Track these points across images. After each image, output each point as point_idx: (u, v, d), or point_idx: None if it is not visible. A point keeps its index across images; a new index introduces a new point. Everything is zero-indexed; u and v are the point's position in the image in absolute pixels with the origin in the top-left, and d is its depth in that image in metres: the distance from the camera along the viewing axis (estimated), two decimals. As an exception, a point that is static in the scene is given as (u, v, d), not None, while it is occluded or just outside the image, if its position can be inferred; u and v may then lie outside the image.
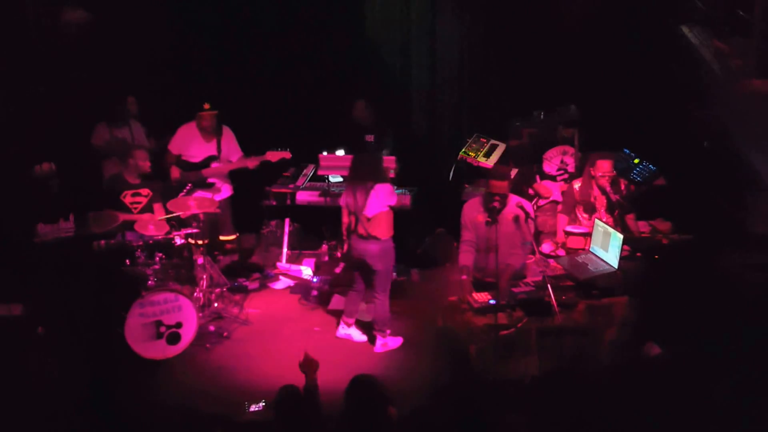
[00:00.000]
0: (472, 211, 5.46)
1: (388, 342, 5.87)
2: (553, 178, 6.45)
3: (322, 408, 3.79)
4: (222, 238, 6.90)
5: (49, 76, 6.25)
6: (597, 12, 6.85)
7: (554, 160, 6.42)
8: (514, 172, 6.74)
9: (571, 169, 6.39)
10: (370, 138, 7.43)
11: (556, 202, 6.41)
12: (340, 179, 7.10)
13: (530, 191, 6.47)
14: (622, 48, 6.81)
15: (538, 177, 6.49)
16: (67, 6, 6.55)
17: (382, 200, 5.64)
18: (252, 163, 6.62)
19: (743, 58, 5.95)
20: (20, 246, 5.55)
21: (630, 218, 5.82)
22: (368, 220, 5.65)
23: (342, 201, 5.88)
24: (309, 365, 4.01)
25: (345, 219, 5.85)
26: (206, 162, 6.63)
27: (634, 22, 6.79)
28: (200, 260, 6.13)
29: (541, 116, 7.14)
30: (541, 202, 6.45)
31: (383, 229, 5.68)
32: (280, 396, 3.64)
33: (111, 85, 6.83)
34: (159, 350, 5.54)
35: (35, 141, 5.97)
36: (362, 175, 5.71)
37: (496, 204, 5.26)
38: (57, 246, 5.61)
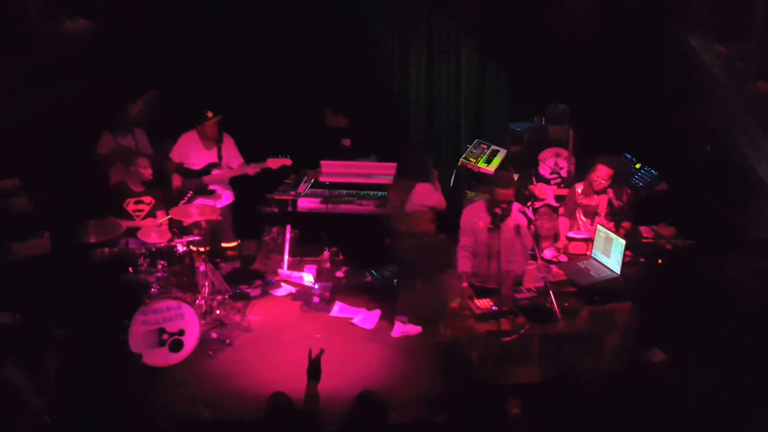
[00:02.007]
0: (473, 217, 5.45)
1: (409, 329, 6.04)
2: (547, 181, 6.44)
3: (320, 418, 3.77)
4: (224, 245, 6.90)
5: (52, 84, 6.26)
6: (597, 16, 6.85)
7: (548, 162, 6.41)
8: (515, 177, 6.74)
9: (564, 173, 6.37)
10: (347, 142, 7.50)
11: (550, 206, 6.38)
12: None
13: (525, 192, 6.46)
14: (623, 52, 6.81)
15: (534, 179, 6.49)
16: (69, 16, 6.57)
17: (420, 199, 5.85)
18: (253, 170, 6.63)
19: (744, 61, 5.95)
20: None
21: (627, 225, 5.80)
22: (408, 217, 5.84)
23: (390, 196, 6.11)
24: (315, 368, 3.99)
25: (388, 211, 6.12)
26: (207, 169, 6.63)
27: (634, 25, 6.79)
28: (202, 267, 6.13)
29: (542, 121, 7.15)
30: (537, 204, 6.44)
31: (422, 227, 5.88)
32: (270, 404, 3.64)
33: (113, 93, 6.85)
34: (162, 357, 5.54)
35: (35, 151, 5.97)
36: (405, 173, 5.98)
37: (498, 210, 5.26)
38: (32, 263, 5.60)
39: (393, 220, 6.05)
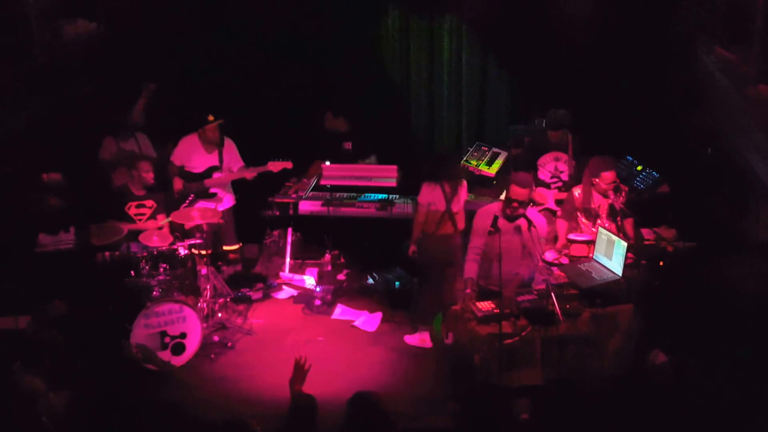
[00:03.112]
0: (485, 219, 5.41)
1: (426, 339, 5.99)
2: (547, 186, 6.43)
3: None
4: (225, 248, 6.91)
5: (53, 89, 6.28)
6: (599, 19, 6.87)
7: (548, 166, 6.40)
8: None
9: (565, 177, 6.36)
10: (347, 145, 7.51)
11: (550, 210, 6.38)
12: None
13: None
14: (625, 54, 6.82)
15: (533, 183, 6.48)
16: (69, 19, 6.58)
17: (463, 196, 5.94)
18: (253, 173, 6.64)
19: (746, 64, 5.96)
20: (20, 255, 5.60)
21: (629, 223, 5.79)
22: (455, 214, 5.88)
23: (423, 199, 5.98)
24: (297, 377, 3.96)
25: (421, 217, 5.98)
26: (208, 172, 6.64)
27: (636, 29, 6.80)
28: (204, 270, 6.14)
29: (542, 123, 7.15)
30: (536, 209, 6.44)
31: (462, 224, 5.93)
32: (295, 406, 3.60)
33: (113, 96, 6.86)
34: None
35: (41, 154, 6.00)
36: (449, 172, 5.98)
37: (509, 210, 5.26)
38: (55, 257, 5.65)
39: (428, 226, 5.94)
